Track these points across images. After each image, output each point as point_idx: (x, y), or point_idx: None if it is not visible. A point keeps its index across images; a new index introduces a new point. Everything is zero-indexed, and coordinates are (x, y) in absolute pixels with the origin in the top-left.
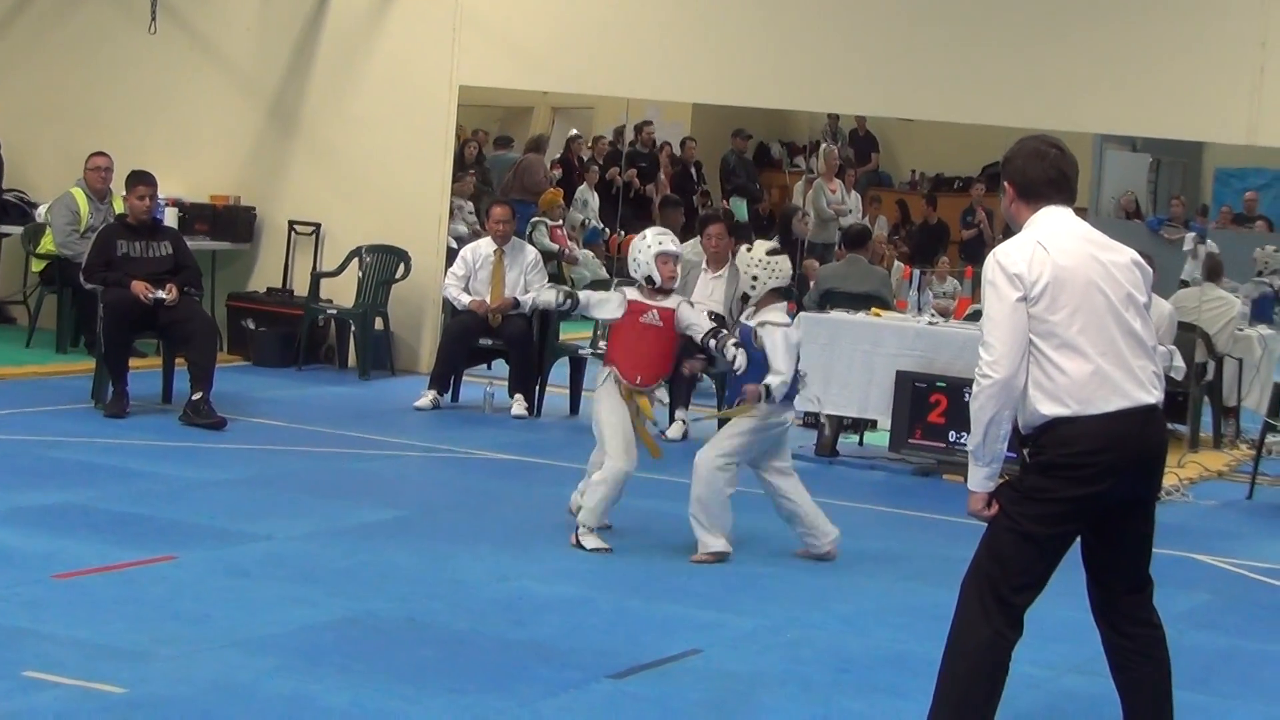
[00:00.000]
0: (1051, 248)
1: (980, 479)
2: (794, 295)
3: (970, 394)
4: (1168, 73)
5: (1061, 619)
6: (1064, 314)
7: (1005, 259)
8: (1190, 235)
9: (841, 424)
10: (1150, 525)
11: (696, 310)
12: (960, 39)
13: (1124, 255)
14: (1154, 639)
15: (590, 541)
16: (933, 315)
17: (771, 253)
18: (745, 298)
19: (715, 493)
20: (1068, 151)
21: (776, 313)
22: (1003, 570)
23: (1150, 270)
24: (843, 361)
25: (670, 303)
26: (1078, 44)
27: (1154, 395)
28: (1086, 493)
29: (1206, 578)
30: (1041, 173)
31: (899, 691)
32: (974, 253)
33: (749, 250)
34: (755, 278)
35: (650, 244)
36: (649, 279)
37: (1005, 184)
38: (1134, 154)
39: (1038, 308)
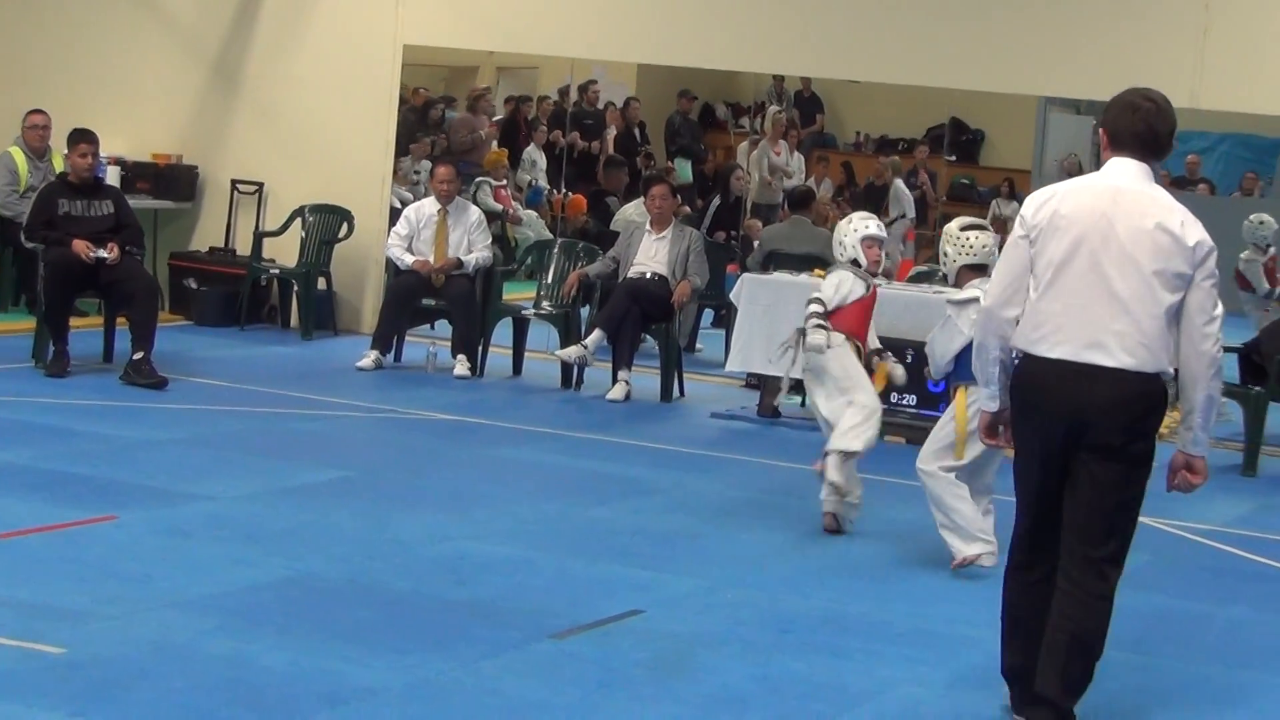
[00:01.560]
0: (1066, 197)
1: (982, 398)
2: (737, 256)
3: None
4: (1111, 36)
5: (1000, 579)
6: (1046, 259)
7: (1027, 201)
8: None
9: (783, 385)
10: (1105, 492)
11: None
12: (906, 1)
13: (1149, 221)
14: (1075, 599)
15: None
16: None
17: (965, 228)
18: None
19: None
20: (1165, 107)
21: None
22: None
23: (1205, 247)
24: (786, 323)
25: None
26: (1022, 7)
27: (1112, 359)
28: (1031, 427)
29: (1147, 539)
30: (1128, 125)
31: (839, 652)
32: (917, 215)
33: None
34: (945, 254)
35: (855, 228)
36: (854, 261)
37: (1100, 130)
38: (1078, 117)
39: (1034, 249)
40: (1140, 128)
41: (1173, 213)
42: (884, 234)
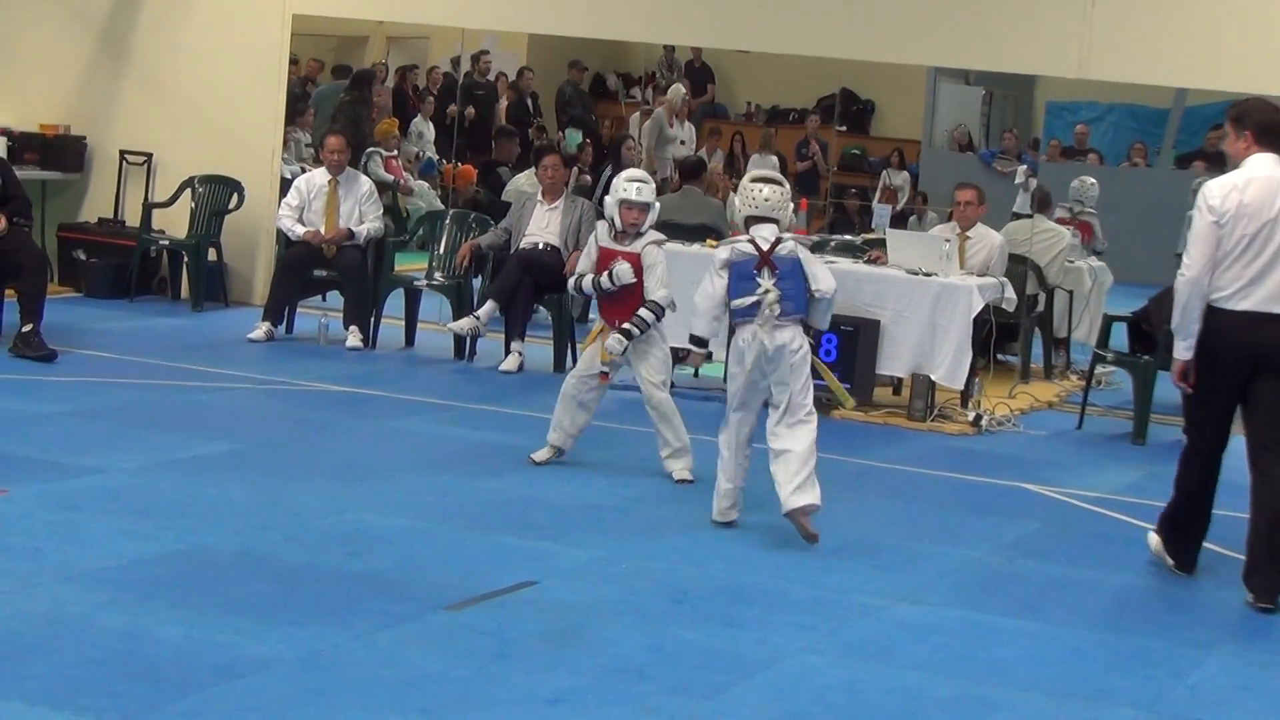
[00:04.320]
0: (1245, 189)
1: (1180, 350)
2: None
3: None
4: (999, 6)
5: (893, 549)
6: (1236, 237)
7: (1212, 193)
8: (1021, 168)
9: (676, 355)
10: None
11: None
12: None
13: None
14: (1269, 486)
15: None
16: None
17: (756, 179)
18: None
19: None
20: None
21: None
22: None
23: None
24: (677, 293)
25: (635, 247)
26: None
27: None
28: (1220, 361)
29: (1037, 507)
30: (1270, 124)
31: (734, 621)
32: (809, 185)
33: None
34: (735, 205)
35: (615, 188)
36: (612, 221)
37: (1242, 129)
38: (967, 87)
39: (1223, 230)
40: (1272, 121)
41: None
42: (641, 199)
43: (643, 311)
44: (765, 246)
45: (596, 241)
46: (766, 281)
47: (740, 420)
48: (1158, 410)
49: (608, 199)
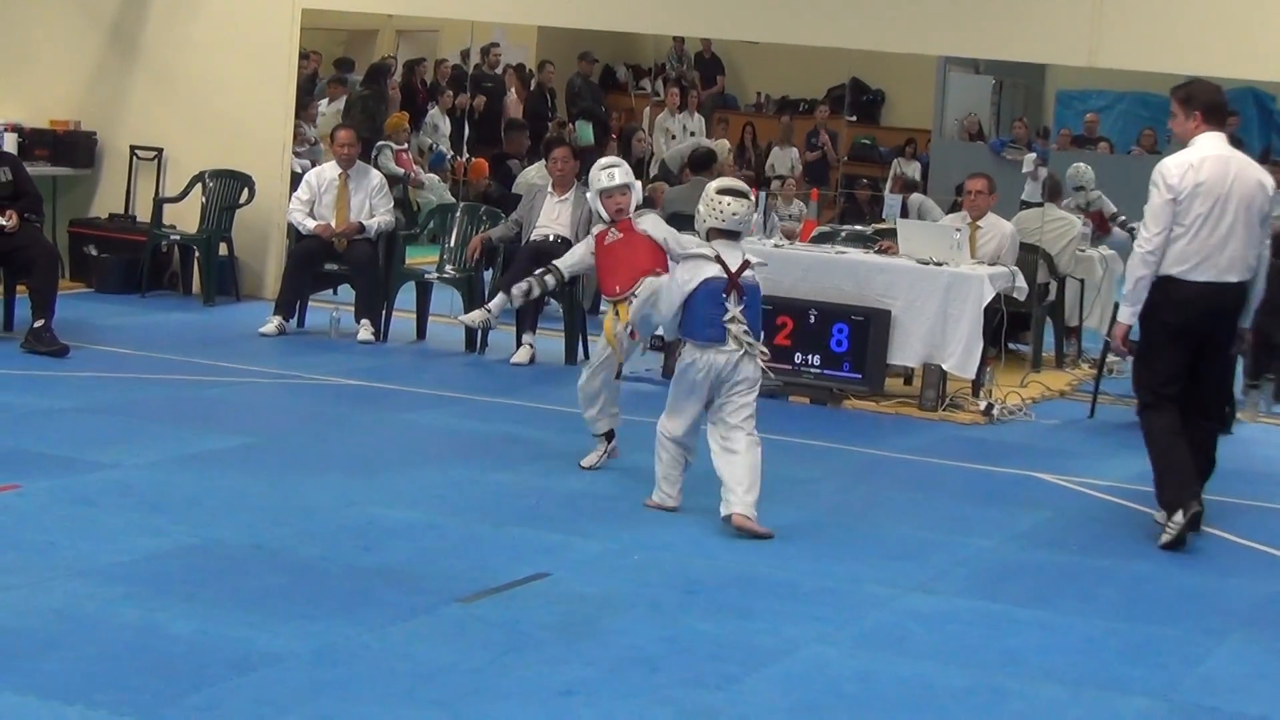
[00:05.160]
0: (1200, 167)
1: (1127, 315)
2: None
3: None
4: None
5: (905, 539)
6: (1194, 215)
7: (1169, 171)
8: (1030, 156)
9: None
10: (1225, 367)
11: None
12: None
13: (1254, 180)
14: (1210, 432)
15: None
16: (779, 238)
17: (722, 191)
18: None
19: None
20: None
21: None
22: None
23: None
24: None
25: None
26: None
27: (1236, 277)
28: (1178, 327)
29: (1048, 496)
30: (1217, 101)
31: (746, 612)
32: (819, 176)
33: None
34: (699, 212)
35: (591, 183)
36: (600, 216)
37: (1192, 109)
38: (977, 76)
39: (1180, 208)
40: (1222, 102)
41: (1260, 170)
42: (616, 182)
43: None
44: (734, 268)
45: (594, 244)
46: (734, 308)
47: (676, 421)
48: None
49: (588, 196)
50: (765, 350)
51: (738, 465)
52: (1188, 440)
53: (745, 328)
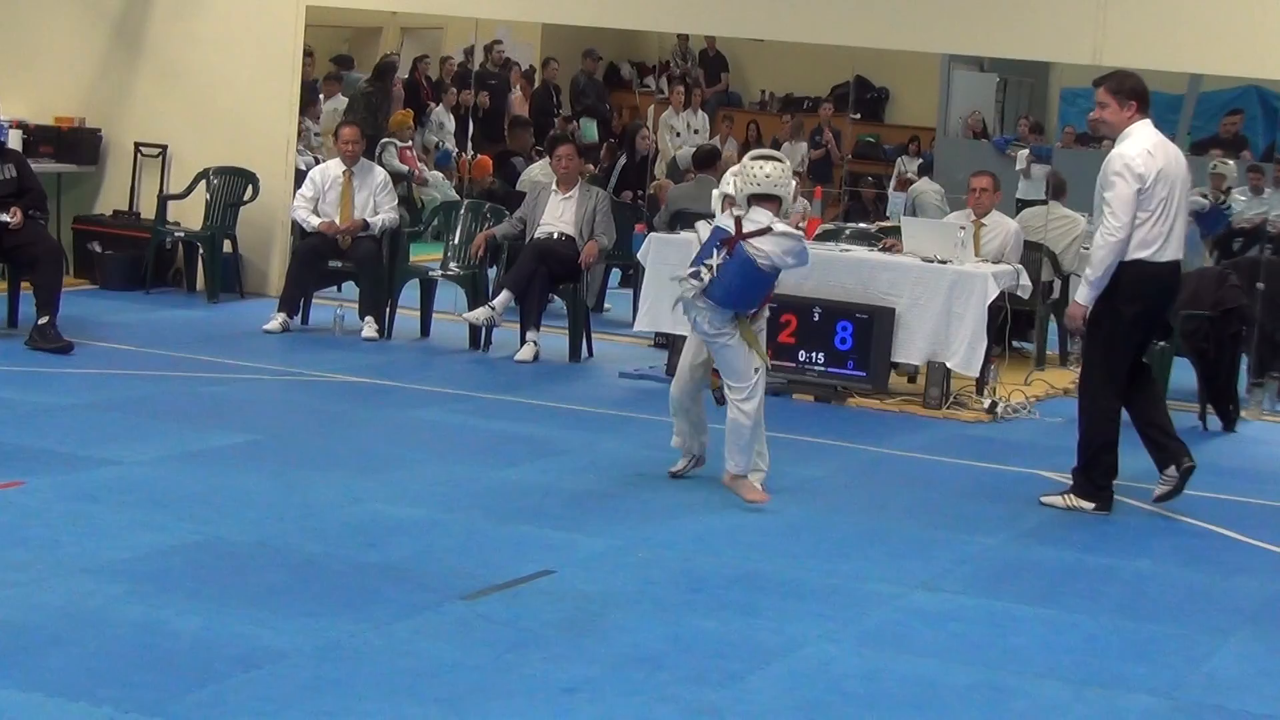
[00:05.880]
0: (1156, 155)
1: (1089, 297)
2: (644, 216)
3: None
4: None
5: (909, 537)
6: (1157, 199)
7: (1135, 162)
8: (1023, 153)
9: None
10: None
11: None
12: None
13: (1184, 163)
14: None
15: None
16: None
17: (755, 158)
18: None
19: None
20: None
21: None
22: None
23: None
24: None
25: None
26: None
27: (1184, 253)
28: (1145, 307)
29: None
30: (1144, 90)
31: (750, 610)
32: (823, 173)
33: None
34: (736, 186)
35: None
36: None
37: (1129, 100)
38: (981, 74)
39: (1144, 194)
40: (1147, 89)
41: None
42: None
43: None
44: (747, 228)
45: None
46: (715, 259)
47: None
48: (1173, 397)
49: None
50: (696, 283)
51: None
52: (1150, 398)
53: (710, 273)
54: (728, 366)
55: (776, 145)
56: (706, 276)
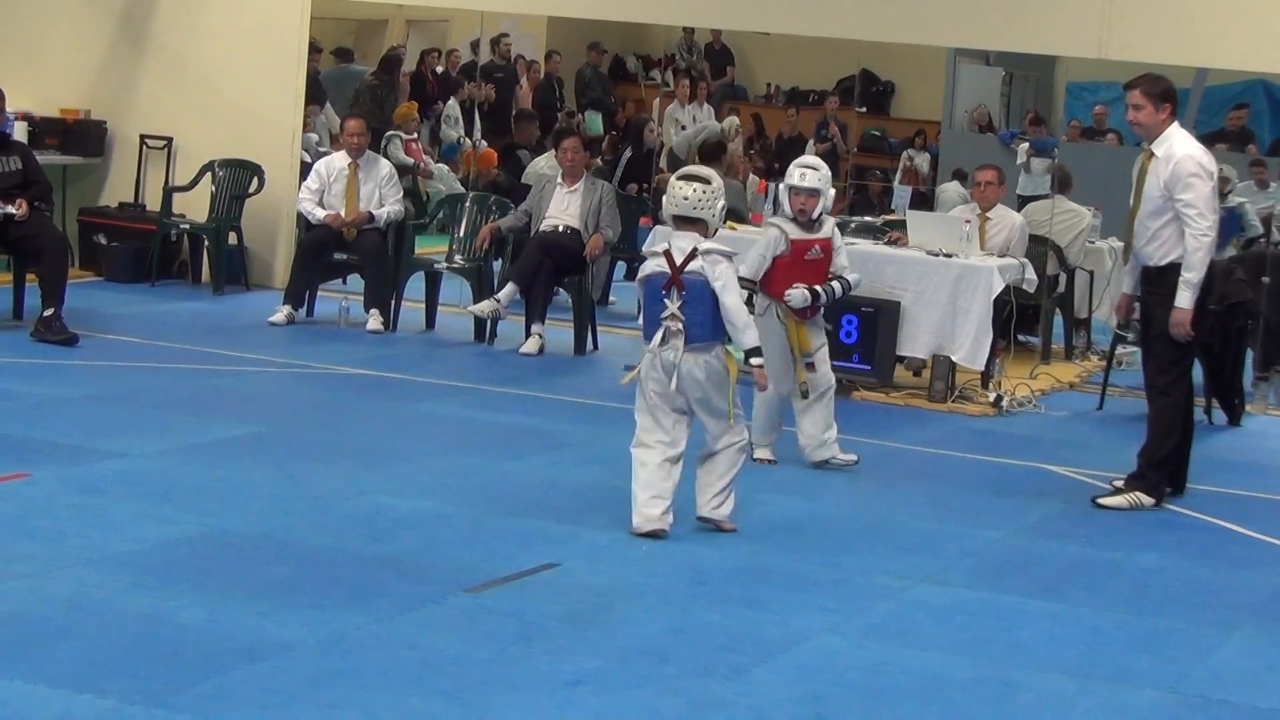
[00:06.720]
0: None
1: (1191, 301)
2: (649, 209)
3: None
4: None
5: (914, 530)
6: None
7: (1208, 162)
8: (1023, 147)
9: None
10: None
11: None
12: None
13: None
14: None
15: (760, 453)
16: None
17: (681, 177)
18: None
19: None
20: None
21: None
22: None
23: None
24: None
25: (825, 233)
26: None
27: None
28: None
29: (1058, 488)
30: (1176, 94)
31: (755, 603)
32: (828, 166)
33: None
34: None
35: (787, 174)
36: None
37: (1164, 103)
38: (987, 68)
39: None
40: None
41: None
42: (806, 184)
43: (835, 283)
44: (679, 259)
45: (781, 239)
46: (673, 305)
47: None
48: None
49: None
50: (676, 340)
51: (709, 468)
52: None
53: (679, 319)
54: (712, 409)
55: (781, 140)
56: (678, 325)
